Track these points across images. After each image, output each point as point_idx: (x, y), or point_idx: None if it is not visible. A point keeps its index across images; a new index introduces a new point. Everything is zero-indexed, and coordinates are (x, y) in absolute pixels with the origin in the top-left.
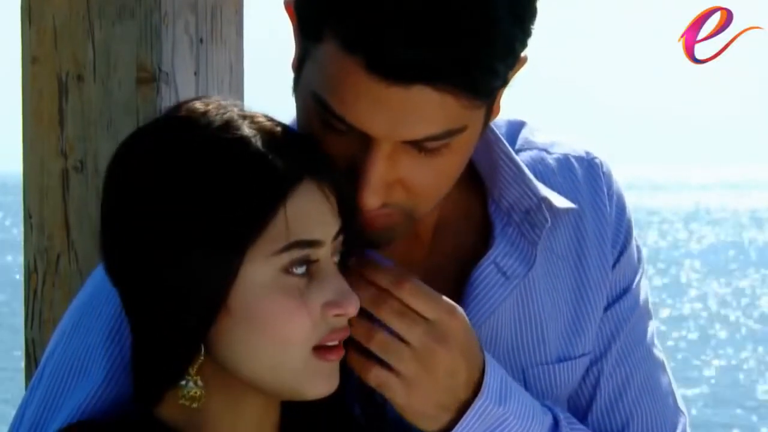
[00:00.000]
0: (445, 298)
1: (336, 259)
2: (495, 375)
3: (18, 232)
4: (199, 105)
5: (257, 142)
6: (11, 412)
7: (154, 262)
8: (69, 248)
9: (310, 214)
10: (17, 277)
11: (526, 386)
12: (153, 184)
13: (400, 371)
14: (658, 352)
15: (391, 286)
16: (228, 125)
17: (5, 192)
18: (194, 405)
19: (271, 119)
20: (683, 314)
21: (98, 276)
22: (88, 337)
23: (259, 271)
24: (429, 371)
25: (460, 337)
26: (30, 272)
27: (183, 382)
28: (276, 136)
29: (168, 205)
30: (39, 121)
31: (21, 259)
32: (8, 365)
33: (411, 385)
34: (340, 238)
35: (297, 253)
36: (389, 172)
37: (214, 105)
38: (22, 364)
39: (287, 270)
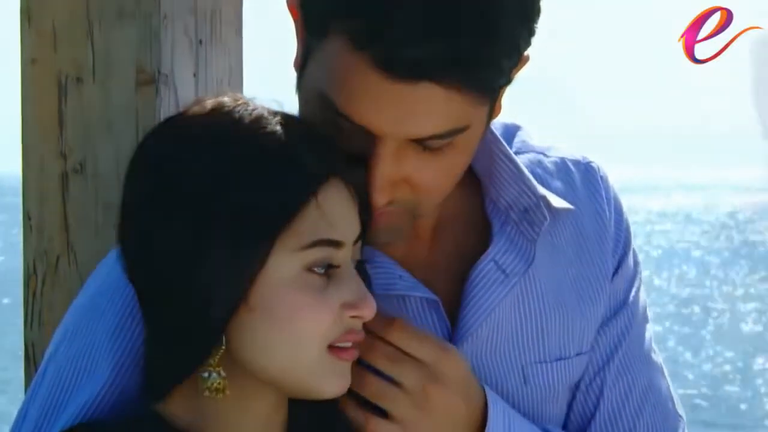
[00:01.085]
0: (436, 337)
1: (353, 264)
2: (498, 410)
3: (17, 233)
4: (227, 100)
5: (289, 137)
6: (13, 411)
7: (181, 252)
8: (68, 250)
9: (337, 213)
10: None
11: (526, 384)
12: (183, 175)
13: (397, 416)
14: (657, 357)
15: (380, 330)
16: (259, 120)
17: (3, 194)
18: (219, 396)
19: (298, 118)
20: (681, 315)
21: (100, 275)
22: (91, 337)
23: (284, 266)
24: (426, 413)
25: (454, 375)
26: (29, 274)
27: (206, 374)
28: (306, 134)
29: (199, 195)
30: (38, 122)
31: (20, 261)
32: (9, 365)
33: (410, 429)
34: (359, 244)
35: (321, 252)
36: (394, 170)
37: (242, 101)
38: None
39: (310, 268)
